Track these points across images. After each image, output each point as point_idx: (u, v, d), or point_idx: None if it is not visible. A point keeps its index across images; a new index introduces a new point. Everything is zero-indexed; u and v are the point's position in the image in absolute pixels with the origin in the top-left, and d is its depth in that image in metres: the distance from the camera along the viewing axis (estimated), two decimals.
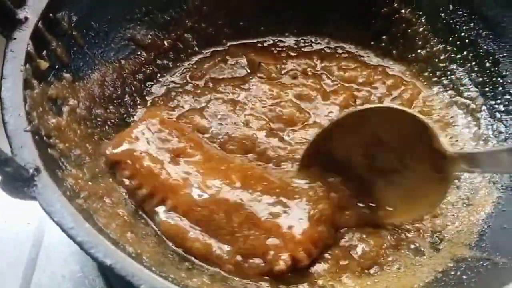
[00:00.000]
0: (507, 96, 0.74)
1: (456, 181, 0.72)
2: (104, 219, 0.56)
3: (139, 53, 0.80)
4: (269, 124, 0.76)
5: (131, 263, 0.48)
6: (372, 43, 0.87)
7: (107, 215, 0.58)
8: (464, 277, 0.58)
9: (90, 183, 0.60)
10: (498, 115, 0.74)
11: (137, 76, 0.79)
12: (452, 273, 0.61)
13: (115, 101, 0.74)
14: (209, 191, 0.64)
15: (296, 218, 0.64)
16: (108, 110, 0.72)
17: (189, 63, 0.84)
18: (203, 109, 0.77)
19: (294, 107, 0.78)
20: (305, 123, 0.77)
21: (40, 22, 0.63)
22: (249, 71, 0.84)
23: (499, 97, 0.75)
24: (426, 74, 0.83)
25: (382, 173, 0.67)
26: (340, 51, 0.87)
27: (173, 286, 0.48)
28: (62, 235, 0.66)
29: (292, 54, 0.86)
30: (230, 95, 0.79)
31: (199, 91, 0.80)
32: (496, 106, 0.75)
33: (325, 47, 0.87)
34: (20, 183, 0.50)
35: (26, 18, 0.62)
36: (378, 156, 0.67)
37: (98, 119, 0.70)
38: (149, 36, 0.81)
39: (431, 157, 0.64)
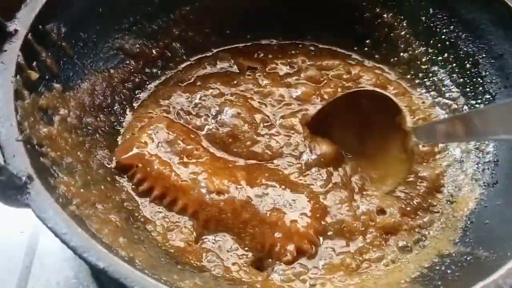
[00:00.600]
0: (487, 96, 0.76)
1: (440, 179, 0.75)
2: (97, 225, 0.57)
3: (127, 62, 0.81)
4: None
5: (124, 265, 0.49)
6: (355, 48, 0.89)
7: (99, 221, 0.59)
8: (449, 271, 0.60)
9: (82, 190, 0.61)
10: None
11: (126, 84, 0.80)
12: (437, 268, 0.62)
13: (105, 110, 0.75)
14: (217, 191, 0.68)
15: (300, 211, 0.68)
16: (98, 118, 0.73)
17: (178, 70, 0.85)
18: (196, 107, 0.79)
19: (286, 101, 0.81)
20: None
21: (29, 34, 0.64)
22: (238, 71, 0.86)
23: (480, 97, 0.77)
24: (409, 76, 0.85)
25: (366, 152, 0.74)
26: (324, 53, 0.89)
27: (165, 287, 0.49)
28: (56, 242, 0.67)
29: (278, 57, 0.88)
30: (220, 90, 0.81)
31: (188, 90, 0.81)
32: (477, 105, 0.77)
33: (310, 50, 0.89)
34: (14, 191, 0.51)
35: (16, 31, 0.63)
36: (365, 136, 0.74)
37: (89, 127, 0.71)
38: (137, 45, 0.82)
39: (400, 137, 0.71)
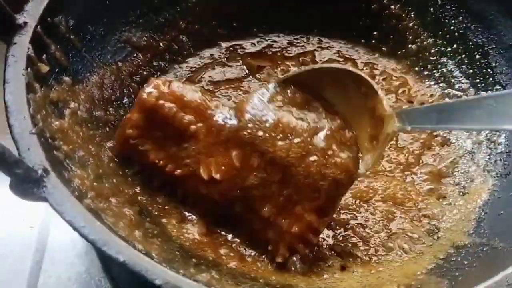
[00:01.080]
0: (498, 87, 0.76)
1: (450, 171, 0.75)
2: (112, 218, 0.57)
3: (135, 55, 0.80)
4: None
5: (144, 258, 0.48)
6: (362, 40, 0.89)
7: (114, 214, 0.58)
8: (465, 262, 0.60)
9: (95, 183, 0.61)
10: None
11: (134, 77, 0.79)
12: (453, 259, 0.62)
13: (114, 103, 0.74)
14: (213, 178, 0.65)
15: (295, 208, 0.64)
16: (108, 112, 0.72)
17: (186, 65, 0.85)
18: None
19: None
20: None
21: (38, 26, 0.63)
22: (247, 72, 0.85)
23: (490, 88, 0.77)
24: (417, 68, 0.85)
25: None
26: (332, 51, 0.89)
27: (185, 279, 0.49)
28: (66, 237, 0.67)
29: (286, 55, 0.87)
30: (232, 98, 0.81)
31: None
32: None
33: (317, 47, 0.89)
34: (30, 185, 0.50)
35: (25, 23, 0.62)
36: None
37: (99, 121, 0.70)
38: (145, 38, 0.81)
39: (370, 124, 0.65)
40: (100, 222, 0.50)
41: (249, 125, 0.63)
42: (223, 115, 0.65)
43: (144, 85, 0.67)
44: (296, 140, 0.63)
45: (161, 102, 0.66)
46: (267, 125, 0.63)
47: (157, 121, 0.66)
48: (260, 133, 0.63)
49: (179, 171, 0.67)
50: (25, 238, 0.74)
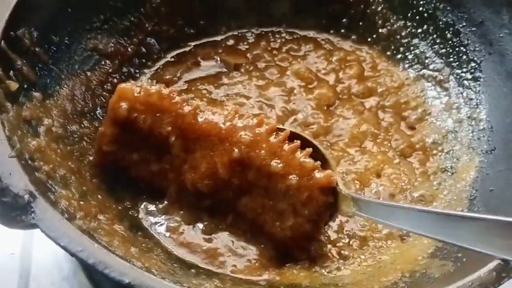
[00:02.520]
0: (472, 64, 0.76)
1: (435, 151, 0.75)
2: (106, 237, 0.54)
3: (103, 62, 0.77)
4: None
5: (150, 277, 0.46)
6: (331, 31, 0.88)
7: (106, 233, 0.56)
8: None
9: (81, 202, 0.58)
10: (466, 83, 0.77)
11: (105, 86, 0.76)
12: None
13: (87, 115, 0.71)
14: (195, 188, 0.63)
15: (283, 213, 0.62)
16: (82, 125, 0.69)
17: (157, 69, 0.82)
18: None
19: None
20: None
21: (2, 41, 0.60)
22: (224, 70, 0.82)
23: (465, 66, 0.77)
24: (389, 53, 0.85)
25: None
26: (302, 42, 0.87)
27: None
28: (51, 260, 0.64)
29: (258, 50, 0.85)
30: (208, 94, 0.78)
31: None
32: (463, 74, 0.77)
33: (288, 38, 0.87)
34: (18, 212, 0.47)
35: None
36: None
37: (75, 135, 0.67)
38: (111, 44, 0.78)
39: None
40: (96, 244, 0.48)
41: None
42: (203, 118, 0.63)
43: (113, 95, 0.64)
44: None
45: (134, 115, 0.63)
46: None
47: (133, 134, 0.64)
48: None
49: (164, 183, 0.65)
50: (6, 265, 0.70)
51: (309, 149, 0.61)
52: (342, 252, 0.64)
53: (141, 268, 0.51)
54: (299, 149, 0.60)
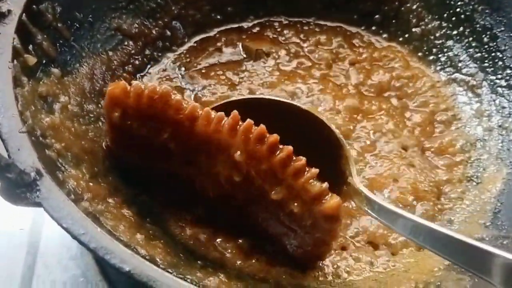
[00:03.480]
0: (508, 71, 0.73)
1: (460, 158, 0.72)
2: (112, 221, 0.53)
3: (126, 43, 0.76)
4: None
5: (150, 267, 0.45)
6: (362, 27, 0.85)
7: (113, 217, 0.54)
8: None
9: (91, 183, 0.56)
10: (500, 90, 0.73)
11: (126, 68, 0.75)
12: None
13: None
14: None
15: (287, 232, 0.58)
16: (99, 105, 0.68)
17: (180, 53, 0.80)
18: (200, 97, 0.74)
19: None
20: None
21: (23, 14, 0.59)
22: (245, 56, 0.81)
23: (500, 72, 0.74)
24: (421, 54, 0.82)
25: None
26: (331, 35, 0.85)
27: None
28: (60, 238, 0.63)
29: (285, 39, 0.83)
30: (227, 81, 0.77)
31: (194, 78, 0.77)
32: (497, 81, 0.74)
33: (317, 30, 0.85)
34: (23, 189, 0.46)
35: (9, 11, 0.58)
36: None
37: (91, 115, 0.66)
38: (136, 25, 0.77)
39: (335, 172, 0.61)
40: (100, 228, 0.46)
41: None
42: (200, 125, 0.56)
43: (105, 98, 0.58)
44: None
45: (127, 122, 0.58)
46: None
47: (134, 136, 0.59)
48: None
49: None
50: (15, 241, 0.69)
51: (315, 170, 0.53)
52: (354, 255, 0.62)
53: (145, 256, 0.50)
54: (305, 169, 0.53)
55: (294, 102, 0.62)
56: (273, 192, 0.54)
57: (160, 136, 0.57)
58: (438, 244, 0.50)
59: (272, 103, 0.62)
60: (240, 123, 0.54)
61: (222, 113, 0.55)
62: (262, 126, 0.54)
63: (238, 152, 0.54)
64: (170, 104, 0.56)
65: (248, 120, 0.54)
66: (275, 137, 0.53)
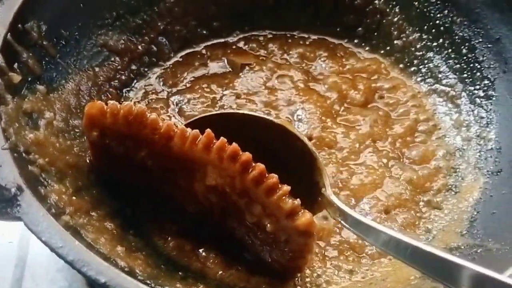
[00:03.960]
0: (486, 82, 0.75)
1: (439, 168, 0.73)
2: (93, 234, 0.54)
3: (112, 59, 0.77)
4: None
5: (126, 278, 0.46)
6: (345, 40, 0.87)
7: (95, 229, 0.56)
8: None
9: (74, 197, 0.58)
10: (478, 100, 0.75)
11: (112, 83, 0.76)
12: None
13: None
14: None
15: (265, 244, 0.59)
16: None
17: (166, 67, 0.82)
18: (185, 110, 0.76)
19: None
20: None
21: (8, 34, 0.61)
22: (230, 70, 0.83)
23: (478, 83, 0.75)
24: (402, 65, 0.83)
25: None
26: (314, 48, 0.86)
27: None
28: (47, 252, 0.64)
29: (269, 52, 0.85)
30: (211, 95, 0.79)
31: (179, 92, 0.79)
32: (476, 91, 0.75)
33: (301, 43, 0.86)
34: (3, 204, 0.48)
35: None
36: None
37: (76, 130, 0.67)
38: (122, 41, 0.79)
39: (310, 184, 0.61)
40: (79, 241, 0.48)
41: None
42: (175, 143, 0.57)
43: (83, 118, 0.60)
44: None
45: (106, 141, 0.60)
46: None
47: (114, 154, 0.61)
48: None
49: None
50: (4, 253, 0.71)
51: (287, 188, 0.54)
52: (334, 264, 0.63)
53: (124, 268, 0.51)
54: (278, 187, 0.54)
55: (268, 117, 0.63)
56: (247, 212, 0.56)
57: (138, 154, 0.59)
58: (409, 256, 0.51)
59: (246, 118, 0.63)
60: (214, 141, 0.55)
61: (197, 130, 0.56)
62: (235, 145, 0.54)
63: (211, 174, 0.56)
64: (145, 123, 0.57)
65: (222, 138, 0.55)
66: (247, 155, 0.54)
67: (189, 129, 0.57)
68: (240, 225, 0.60)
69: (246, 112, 0.66)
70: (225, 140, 0.55)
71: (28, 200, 0.49)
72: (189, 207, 0.62)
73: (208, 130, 0.55)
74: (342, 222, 0.58)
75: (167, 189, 0.63)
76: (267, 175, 0.54)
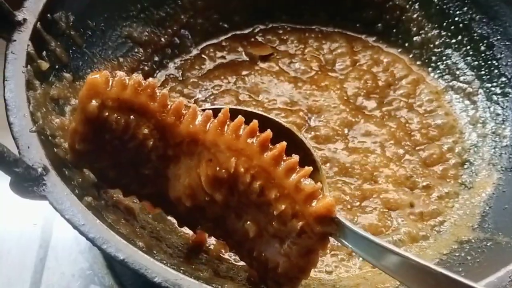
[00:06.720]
0: (503, 79, 0.75)
1: (455, 163, 0.74)
2: (113, 216, 0.57)
3: (136, 50, 0.80)
4: None
5: (143, 256, 0.48)
6: (364, 35, 0.88)
7: (115, 212, 0.58)
8: (469, 257, 0.60)
9: (96, 180, 0.60)
10: (495, 97, 0.76)
11: (136, 73, 0.78)
12: (457, 254, 0.62)
13: None
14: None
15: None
16: None
17: (186, 59, 0.84)
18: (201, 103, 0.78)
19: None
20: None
21: (38, 23, 0.63)
22: (248, 62, 0.85)
23: (495, 80, 0.76)
24: (419, 62, 0.84)
25: None
26: (333, 42, 0.88)
27: (185, 277, 0.49)
28: (70, 234, 0.67)
29: (287, 44, 0.87)
30: (228, 86, 0.81)
31: (196, 84, 0.81)
32: (493, 88, 0.76)
33: (319, 37, 0.88)
34: (30, 183, 0.50)
35: (25, 20, 0.62)
36: None
37: None
38: (146, 33, 0.81)
39: None
40: (100, 220, 0.50)
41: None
42: (187, 120, 0.52)
43: (83, 88, 0.53)
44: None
45: (105, 113, 0.52)
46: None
47: (108, 134, 0.54)
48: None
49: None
50: (28, 235, 0.74)
51: (309, 168, 0.50)
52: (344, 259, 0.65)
53: (142, 248, 0.53)
54: (297, 167, 0.50)
55: (277, 119, 0.59)
56: (261, 199, 0.51)
57: (140, 131, 0.53)
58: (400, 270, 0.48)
59: (256, 116, 0.55)
60: (228, 122, 0.52)
61: (210, 111, 0.53)
62: (255, 121, 0.51)
63: (221, 158, 0.51)
64: (154, 97, 0.52)
65: (239, 117, 0.51)
66: (267, 133, 0.50)
67: (200, 110, 0.53)
68: (248, 217, 0.53)
69: (256, 111, 0.61)
70: (243, 119, 0.51)
71: (53, 180, 0.51)
72: (184, 202, 0.55)
73: (226, 109, 0.52)
74: (341, 239, 0.50)
75: (157, 185, 0.56)
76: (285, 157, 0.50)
